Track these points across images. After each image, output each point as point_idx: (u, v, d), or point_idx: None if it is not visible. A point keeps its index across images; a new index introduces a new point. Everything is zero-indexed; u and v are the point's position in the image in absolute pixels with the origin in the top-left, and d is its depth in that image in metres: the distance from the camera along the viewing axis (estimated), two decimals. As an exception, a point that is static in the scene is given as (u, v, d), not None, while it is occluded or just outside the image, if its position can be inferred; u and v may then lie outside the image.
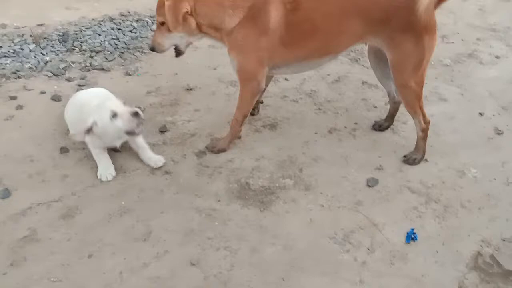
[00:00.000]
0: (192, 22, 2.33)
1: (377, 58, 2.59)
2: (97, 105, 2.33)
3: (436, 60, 3.67)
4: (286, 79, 3.35)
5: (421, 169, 2.60)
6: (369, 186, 2.45)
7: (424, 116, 2.54)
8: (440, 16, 4.30)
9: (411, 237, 2.16)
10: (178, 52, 2.53)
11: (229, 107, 2.97)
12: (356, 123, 2.91)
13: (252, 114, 2.93)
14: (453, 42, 3.99)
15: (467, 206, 2.37)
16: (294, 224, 2.21)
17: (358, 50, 3.64)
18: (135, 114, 2.29)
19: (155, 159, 2.49)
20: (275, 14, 2.27)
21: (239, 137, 2.70)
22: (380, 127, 2.87)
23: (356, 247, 2.12)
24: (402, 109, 3.04)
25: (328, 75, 3.42)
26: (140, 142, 2.49)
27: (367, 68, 3.53)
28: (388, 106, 2.88)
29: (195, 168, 2.52)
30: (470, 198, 2.42)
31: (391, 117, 2.87)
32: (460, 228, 2.25)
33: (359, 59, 3.62)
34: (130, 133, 2.34)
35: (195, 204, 2.30)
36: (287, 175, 2.49)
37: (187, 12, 2.27)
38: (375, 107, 3.10)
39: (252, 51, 2.35)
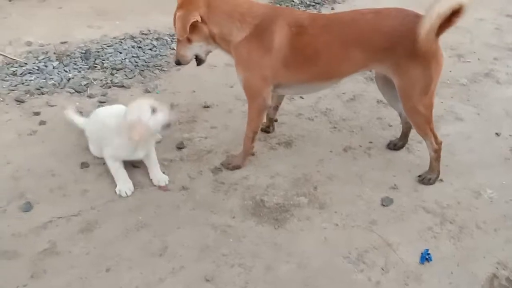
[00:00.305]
0: (205, 30, 2.41)
1: (385, 82, 2.62)
2: (133, 106, 2.38)
3: (452, 80, 3.68)
4: (301, 97, 3.39)
5: (436, 189, 2.59)
6: (384, 205, 2.46)
7: (435, 137, 2.54)
8: (457, 35, 4.35)
9: (425, 257, 2.15)
10: (199, 61, 2.61)
11: (245, 124, 3.02)
12: (371, 142, 2.93)
13: (267, 132, 2.98)
14: (469, 61, 3.99)
15: (482, 227, 2.35)
16: (308, 242, 2.23)
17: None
18: (171, 107, 2.46)
19: (158, 177, 2.55)
20: (280, 35, 2.33)
21: (253, 154, 2.74)
22: (395, 146, 2.88)
23: (370, 267, 2.12)
24: (417, 128, 3.07)
25: (344, 93, 3.45)
26: (153, 158, 2.56)
27: (383, 86, 3.56)
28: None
29: (211, 185, 2.56)
30: (486, 219, 2.40)
31: (404, 136, 2.88)
32: (476, 249, 2.24)
33: (375, 78, 3.64)
34: (168, 126, 2.39)
35: (211, 220, 2.34)
36: (301, 193, 2.52)
37: (197, 21, 2.34)
38: (390, 126, 3.11)
39: (257, 68, 2.41)
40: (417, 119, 2.46)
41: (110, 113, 2.58)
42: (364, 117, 3.20)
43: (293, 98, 3.38)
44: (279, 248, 2.19)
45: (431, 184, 2.61)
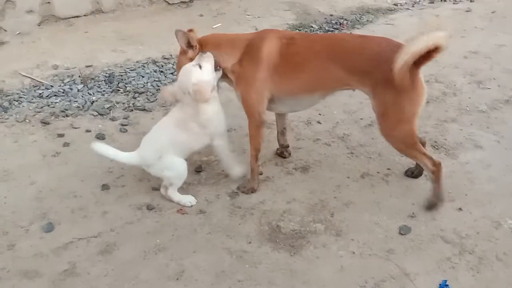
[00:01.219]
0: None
1: None
2: (182, 75, 2.52)
3: (472, 106, 3.66)
4: (319, 122, 3.42)
5: (455, 218, 2.56)
6: (402, 234, 2.44)
7: (430, 158, 2.52)
8: (476, 61, 4.35)
9: (444, 289, 2.12)
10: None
11: (262, 148, 3.06)
12: (389, 169, 2.92)
13: (283, 157, 3.01)
14: (489, 88, 3.97)
15: (503, 259, 2.31)
16: (324, 270, 2.22)
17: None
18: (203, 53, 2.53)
19: (236, 170, 2.70)
20: (269, 46, 2.52)
21: (261, 173, 2.76)
22: (412, 173, 2.86)
23: (387, 297, 2.10)
24: (437, 156, 3.02)
25: (361, 119, 3.46)
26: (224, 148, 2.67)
27: (401, 113, 3.56)
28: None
29: (228, 209, 2.59)
30: (506, 251, 2.35)
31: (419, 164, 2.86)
32: (495, 281, 2.19)
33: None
34: (218, 69, 2.55)
35: (227, 244, 2.35)
36: (318, 219, 2.52)
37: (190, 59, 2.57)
38: (408, 152, 3.10)
39: (250, 83, 2.55)
40: (395, 143, 2.53)
41: (163, 127, 2.61)
42: (382, 143, 3.18)
43: (310, 123, 3.41)
44: (294, 276, 2.19)
45: (435, 210, 2.56)
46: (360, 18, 5.40)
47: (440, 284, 2.15)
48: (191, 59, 2.57)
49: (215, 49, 2.59)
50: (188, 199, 2.59)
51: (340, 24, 5.23)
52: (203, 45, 2.60)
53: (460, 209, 2.62)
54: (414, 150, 2.50)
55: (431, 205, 2.59)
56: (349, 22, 5.27)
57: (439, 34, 2.20)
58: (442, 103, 3.71)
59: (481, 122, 3.48)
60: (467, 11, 5.69)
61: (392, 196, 2.70)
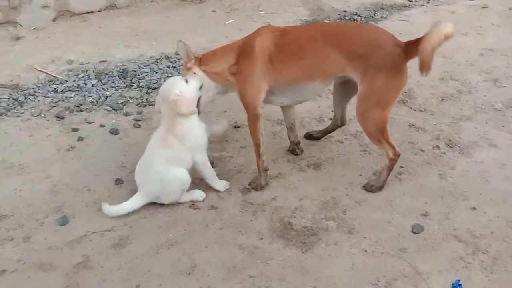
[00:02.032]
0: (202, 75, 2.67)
1: (341, 87, 2.80)
2: (166, 84, 2.55)
3: (487, 104, 3.61)
4: (331, 119, 3.39)
5: (469, 217, 2.53)
6: (414, 232, 2.42)
7: (393, 147, 2.62)
8: (492, 58, 4.29)
9: (456, 288, 2.11)
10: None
11: (274, 145, 3.07)
12: (402, 167, 2.89)
13: (295, 154, 3.00)
14: (505, 86, 3.91)
15: (518, 260, 2.28)
16: (336, 267, 2.22)
17: (406, 92, 3.65)
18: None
19: (219, 185, 2.70)
20: (261, 40, 2.57)
21: (266, 169, 2.74)
22: (310, 136, 3.13)
23: (399, 296, 2.09)
24: (451, 155, 3.02)
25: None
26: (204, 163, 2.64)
27: (415, 110, 3.53)
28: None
29: (239, 205, 2.60)
30: (522, 251, 2.33)
31: (324, 132, 3.12)
32: (510, 282, 2.16)
33: (407, 101, 3.62)
34: (200, 88, 2.60)
35: (239, 240, 2.36)
36: (330, 216, 2.51)
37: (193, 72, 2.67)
38: (422, 150, 3.07)
39: (247, 77, 2.59)
40: (367, 125, 2.58)
41: (150, 155, 2.55)
42: (396, 140, 3.14)
43: (322, 119, 3.40)
44: (306, 273, 2.19)
45: (373, 191, 2.67)
46: (374, 14, 5.36)
47: (453, 284, 2.13)
48: (188, 69, 2.66)
49: (210, 56, 2.71)
50: (199, 194, 2.61)
51: (354, 20, 5.19)
52: (202, 61, 2.70)
53: (474, 208, 2.59)
54: (382, 135, 2.59)
55: (369, 187, 2.69)
56: (363, 18, 5.23)
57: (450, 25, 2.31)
58: (457, 101, 3.67)
59: (496, 120, 3.43)
60: (484, 7, 5.60)
61: (405, 194, 2.68)
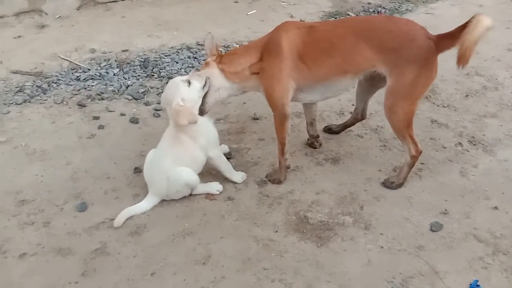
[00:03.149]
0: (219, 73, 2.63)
1: (367, 82, 2.71)
2: (168, 89, 2.50)
3: (514, 101, 3.50)
4: (351, 113, 3.35)
5: (490, 217, 2.47)
6: (433, 230, 2.38)
7: (415, 144, 2.59)
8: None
9: (475, 289, 2.06)
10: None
11: (293, 138, 3.03)
12: (422, 163, 2.84)
13: (314, 147, 2.98)
14: (534, 83, 3.79)
15: (540, 262, 2.22)
16: (351, 263, 2.20)
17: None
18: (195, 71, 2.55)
19: (237, 177, 2.69)
20: (288, 37, 2.51)
21: (288, 167, 2.74)
22: (330, 130, 3.10)
23: (415, 294, 2.06)
24: (474, 152, 2.95)
25: (396, 111, 3.37)
26: (219, 157, 2.65)
27: (438, 106, 3.46)
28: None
29: (256, 197, 2.59)
30: (544, 254, 2.26)
31: (344, 127, 3.09)
32: (531, 285, 2.11)
33: (430, 96, 3.54)
34: (204, 86, 2.54)
35: (254, 232, 2.36)
36: (347, 212, 2.49)
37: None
38: (444, 147, 3.01)
39: (273, 76, 2.53)
40: (394, 119, 2.53)
41: (160, 155, 2.54)
42: (417, 136, 3.04)
43: (343, 113, 3.36)
44: (320, 267, 2.17)
45: (392, 188, 2.64)
46: (399, 7, 5.25)
47: (471, 284, 2.09)
48: (206, 64, 2.64)
49: (231, 56, 2.66)
50: (215, 187, 2.60)
51: (378, 12, 5.09)
52: (222, 56, 2.67)
53: (496, 208, 2.53)
54: (407, 131, 2.56)
55: (389, 184, 2.65)
56: (387, 11, 5.13)
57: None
58: (482, 97, 3.58)
59: (523, 118, 3.33)
60: (513, 0, 5.43)
61: (425, 192, 2.64)
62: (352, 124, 3.06)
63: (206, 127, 2.56)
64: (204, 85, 2.53)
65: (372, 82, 2.69)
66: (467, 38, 2.22)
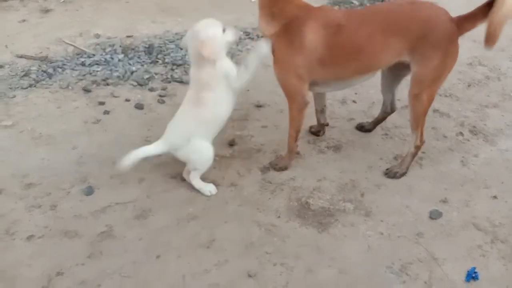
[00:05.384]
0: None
1: (392, 72, 2.69)
2: (205, 23, 2.45)
3: (517, 91, 3.52)
4: (354, 102, 3.38)
5: (489, 205, 2.52)
6: (432, 218, 2.42)
7: (421, 134, 2.62)
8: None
9: (472, 276, 2.11)
10: None
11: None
12: (423, 152, 2.86)
13: (317, 135, 3.00)
14: (537, 73, 3.79)
15: (537, 250, 2.26)
16: (351, 249, 2.25)
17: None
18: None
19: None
20: (313, 37, 2.39)
21: (298, 153, 2.78)
22: (362, 127, 3.05)
23: (413, 280, 2.11)
24: (475, 142, 2.98)
25: (398, 100, 3.38)
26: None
27: (440, 95, 3.47)
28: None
29: (258, 183, 2.64)
30: (541, 242, 2.30)
31: (375, 123, 3.04)
32: (527, 272, 2.16)
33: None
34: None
35: (256, 218, 2.41)
36: (348, 198, 2.53)
37: None
38: (445, 136, 3.04)
39: (290, 68, 2.47)
40: (417, 106, 2.52)
41: (185, 111, 2.55)
42: (418, 126, 3.14)
43: (345, 102, 3.38)
44: (321, 252, 2.22)
45: (396, 178, 2.66)
46: (404, -5, 5.22)
47: (468, 271, 2.14)
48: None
49: (261, 12, 2.51)
50: (208, 188, 2.55)
51: (382, 0, 5.08)
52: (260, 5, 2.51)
53: (495, 197, 2.56)
54: (424, 118, 2.58)
55: (392, 174, 2.67)
56: (392, -1, 5.11)
57: None
58: (484, 87, 3.59)
59: (525, 108, 3.35)
60: (520, -10, 5.38)
61: (425, 180, 2.67)
62: (384, 118, 3.00)
63: (226, 62, 2.50)
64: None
65: (397, 72, 2.66)
66: (494, 17, 2.19)
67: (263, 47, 2.42)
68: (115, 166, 2.51)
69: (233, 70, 2.49)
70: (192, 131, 2.47)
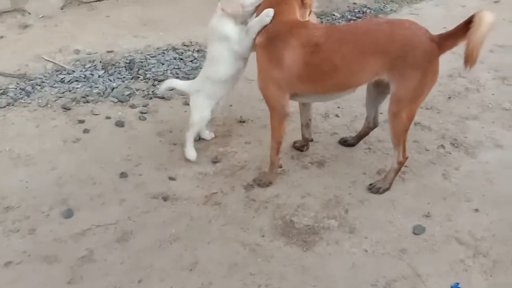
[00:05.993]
0: None
1: (375, 88, 2.73)
2: None
3: (495, 103, 3.57)
4: (337, 116, 3.39)
5: (471, 219, 2.54)
6: (416, 233, 2.43)
7: (404, 150, 2.62)
8: (502, 55, 4.24)
9: (455, 291, 2.12)
10: None
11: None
12: (406, 166, 2.87)
13: (301, 150, 3.00)
14: (514, 84, 3.86)
15: (518, 264, 2.29)
16: (336, 267, 2.24)
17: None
18: None
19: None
20: (292, 54, 2.42)
21: (280, 167, 2.77)
22: (345, 142, 3.06)
23: (398, 297, 2.11)
24: (456, 154, 3.01)
25: (381, 113, 3.41)
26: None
27: (421, 108, 3.48)
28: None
29: (242, 201, 2.62)
30: (523, 255, 2.33)
31: (358, 138, 3.04)
32: (509, 286, 2.18)
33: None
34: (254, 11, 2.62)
35: (240, 237, 2.39)
36: (332, 215, 2.53)
37: None
38: (427, 150, 3.06)
39: (270, 79, 2.51)
40: (397, 124, 2.54)
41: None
42: (400, 139, 3.16)
43: (328, 116, 3.39)
44: (306, 271, 2.21)
45: (379, 193, 2.67)
46: (383, 7, 5.29)
47: (452, 286, 2.14)
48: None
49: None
50: (190, 153, 2.83)
51: (363, 13, 5.14)
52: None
53: (477, 210, 2.59)
54: (404, 135, 2.59)
55: (376, 190, 2.69)
56: (372, 11, 5.17)
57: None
58: (464, 99, 3.64)
59: (504, 120, 3.40)
60: (496, 1, 5.50)
61: (408, 195, 2.69)
62: (366, 133, 3.00)
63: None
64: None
65: (382, 89, 2.66)
66: (472, 38, 2.21)
67: (267, 13, 2.47)
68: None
69: (234, 33, 2.61)
70: (201, 85, 2.79)
